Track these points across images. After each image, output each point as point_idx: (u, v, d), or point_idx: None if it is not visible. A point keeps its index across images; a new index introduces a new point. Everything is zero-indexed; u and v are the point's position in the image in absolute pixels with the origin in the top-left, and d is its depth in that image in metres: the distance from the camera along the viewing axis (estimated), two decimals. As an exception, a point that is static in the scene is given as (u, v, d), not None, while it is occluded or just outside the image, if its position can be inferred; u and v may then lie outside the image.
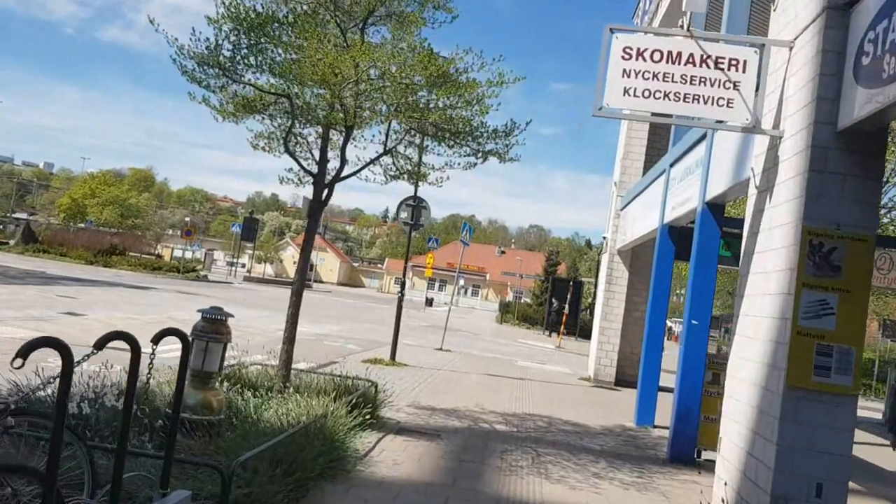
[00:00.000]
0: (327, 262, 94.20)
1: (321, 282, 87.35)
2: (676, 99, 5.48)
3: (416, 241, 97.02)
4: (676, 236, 10.29)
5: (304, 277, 7.48)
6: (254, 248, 70.90)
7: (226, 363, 7.92)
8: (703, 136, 8.41)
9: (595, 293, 57.66)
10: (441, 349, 17.89)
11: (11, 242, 44.19)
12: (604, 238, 16.20)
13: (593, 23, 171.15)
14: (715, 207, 8.10)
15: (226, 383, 6.36)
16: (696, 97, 5.49)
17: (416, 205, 13.47)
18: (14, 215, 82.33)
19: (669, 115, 5.71)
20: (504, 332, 32.29)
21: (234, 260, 73.99)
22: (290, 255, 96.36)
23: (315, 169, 7.33)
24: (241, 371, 7.58)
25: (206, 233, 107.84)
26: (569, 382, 14.89)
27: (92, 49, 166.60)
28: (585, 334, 36.86)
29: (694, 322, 8.09)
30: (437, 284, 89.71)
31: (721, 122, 5.82)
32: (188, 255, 67.10)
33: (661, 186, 10.74)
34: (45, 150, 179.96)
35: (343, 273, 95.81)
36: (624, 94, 5.50)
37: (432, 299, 45.26)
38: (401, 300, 13.37)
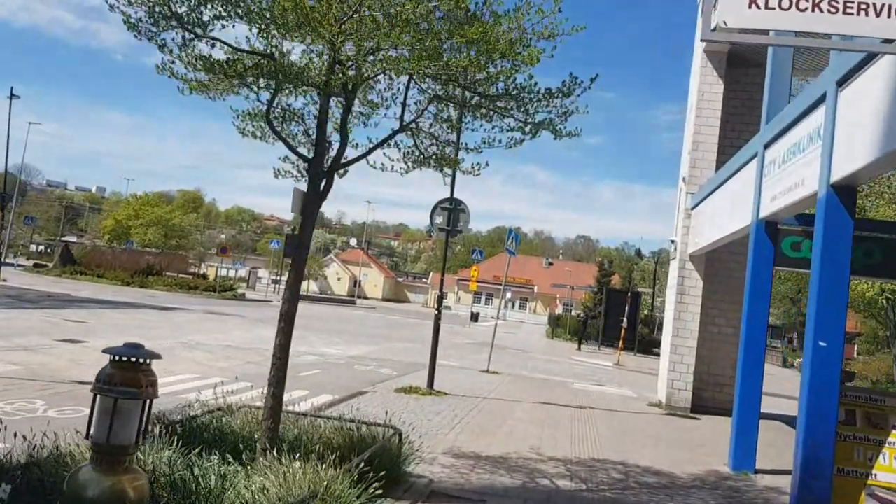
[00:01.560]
0: (371, 278, 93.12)
1: (366, 298, 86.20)
2: (833, 9, 3.54)
3: (461, 254, 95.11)
4: (774, 234, 8.24)
5: (297, 296, 5.71)
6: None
7: (206, 401, 6.26)
8: (821, 99, 6.41)
9: (652, 304, 54.94)
10: (487, 371, 15.98)
11: (50, 265, 43.81)
12: (672, 242, 14.12)
13: (641, 30, 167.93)
14: (844, 192, 6.07)
15: (178, 441, 4.59)
16: (862, 5, 3.55)
17: (452, 208, 11.65)
18: (62, 239, 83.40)
19: (818, 34, 3.77)
20: (556, 349, 30.17)
21: (278, 278, 73.32)
22: (333, 272, 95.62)
23: (311, 153, 5.55)
24: (221, 419, 5.80)
25: (254, 251, 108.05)
26: (636, 410, 12.82)
27: (140, 74, 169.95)
28: (644, 349, 34.46)
29: (822, 343, 6.05)
30: (483, 298, 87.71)
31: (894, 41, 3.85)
32: (230, 273, 66.60)
33: (750, 174, 8.72)
34: (97, 175, 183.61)
35: (388, 288, 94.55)
36: (751, 6, 3.58)
37: (478, 314, 43.27)
38: (438, 318, 11.55)
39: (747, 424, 8.02)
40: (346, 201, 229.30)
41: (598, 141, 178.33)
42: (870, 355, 48.31)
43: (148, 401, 3.40)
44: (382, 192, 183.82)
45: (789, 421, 12.20)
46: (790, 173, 7.20)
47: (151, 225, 69.49)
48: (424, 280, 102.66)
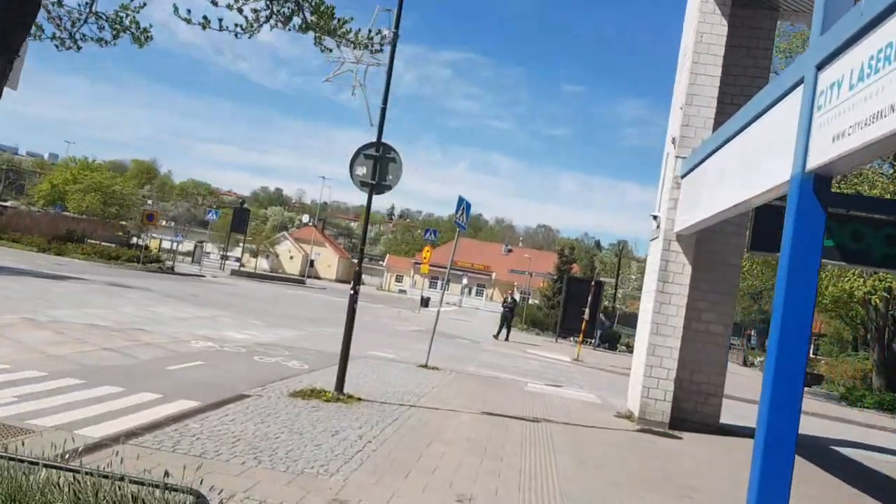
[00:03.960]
0: (325, 258, 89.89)
1: (318, 278, 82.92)
2: None
3: (420, 237, 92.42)
4: (826, 193, 5.64)
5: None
6: (244, 240, 66.35)
7: None
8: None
9: (615, 296, 52.83)
10: (426, 366, 13.30)
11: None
12: (654, 218, 11.56)
13: (607, 25, 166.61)
14: None
15: None
16: None
17: (379, 155, 8.87)
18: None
19: None
20: (510, 340, 27.66)
21: (225, 253, 69.66)
22: (286, 250, 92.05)
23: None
24: None
25: (209, 227, 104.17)
26: (603, 424, 10.26)
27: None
28: (605, 343, 32.19)
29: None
30: (440, 283, 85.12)
31: None
32: (174, 246, 62.77)
33: (790, 111, 6.11)
34: (51, 142, 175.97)
35: (342, 269, 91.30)
36: None
37: (429, 299, 40.51)
38: (353, 299, 8.77)
39: (777, 473, 5.43)
40: (309, 180, 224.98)
41: (563, 132, 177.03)
42: (832, 357, 47.05)
43: None
44: (343, 172, 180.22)
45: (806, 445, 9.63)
46: (873, 95, 4.60)
47: (90, 191, 65.27)
48: (380, 263, 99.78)
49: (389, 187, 8.94)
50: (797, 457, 9.12)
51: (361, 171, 8.95)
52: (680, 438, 10.07)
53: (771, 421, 5.44)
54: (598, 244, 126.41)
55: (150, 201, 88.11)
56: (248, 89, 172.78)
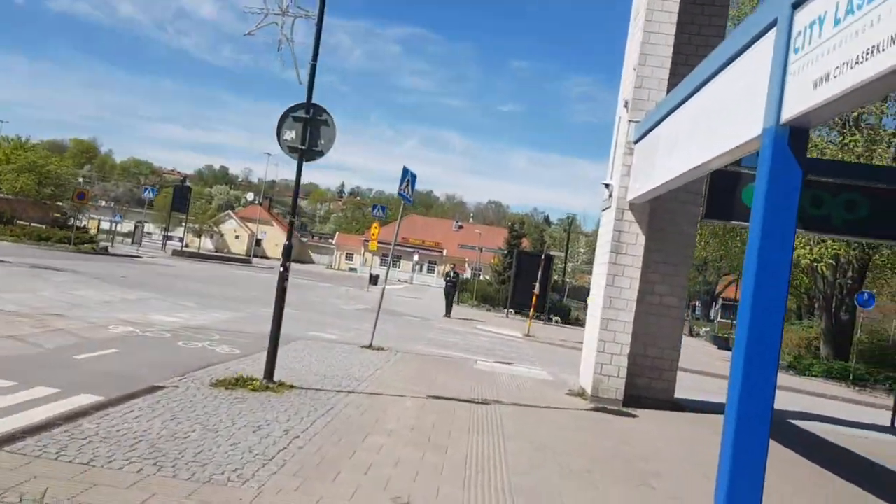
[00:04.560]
0: (272, 237, 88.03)
1: (266, 257, 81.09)
2: None
3: (369, 215, 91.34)
4: (802, 147, 5.04)
5: None
6: (185, 219, 64.23)
7: None
8: None
9: (564, 270, 52.76)
10: (370, 346, 12.57)
11: None
12: (606, 186, 10.96)
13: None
14: None
15: None
16: None
17: (310, 117, 8.00)
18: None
19: None
20: (461, 316, 27.09)
21: (166, 233, 67.34)
22: (231, 229, 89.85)
23: None
24: None
25: (150, 206, 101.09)
26: (556, 403, 9.70)
27: (43, 19, 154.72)
28: (557, 316, 31.90)
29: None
30: (391, 261, 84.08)
31: None
32: (113, 226, 60.31)
33: (760, 59, 5.49)
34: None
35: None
36: None
37: (377, 276, 39.64)
38: (284, 277, 7.93)
39: (750, 463, 4.86)
40: (257, 158, 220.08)
41: (514, 109, 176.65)
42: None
43: None
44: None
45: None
46: (867, 28, 3.99)
47: (24, 171, 62.26)
48: (331, 241, 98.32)
49: (321, 153, 8.09)
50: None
51: (290, 135, 8.08)
52: (635, 417, 9.58)
53: (742, 402, 4.87)
54: (547, 219, 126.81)
55: (82, 180, 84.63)
56: (191, 66, 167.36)
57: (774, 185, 4.94)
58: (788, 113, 4.85)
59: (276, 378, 7.99)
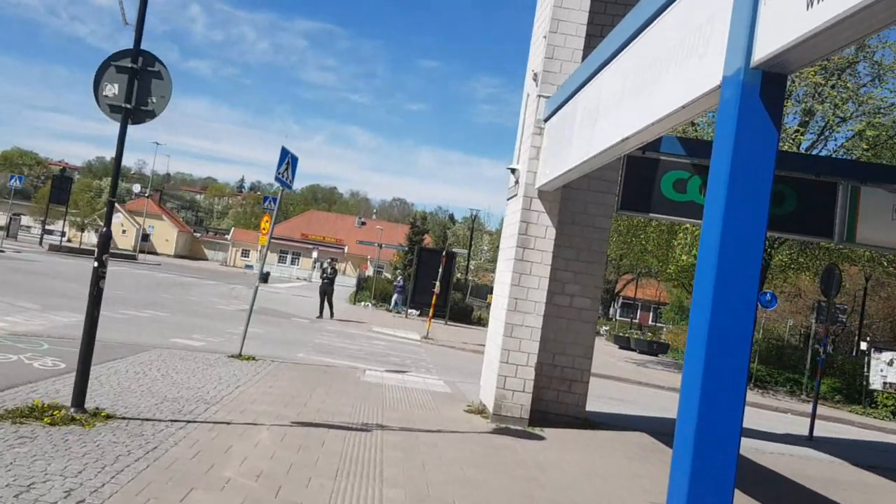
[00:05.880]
0: (161, 231, 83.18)
1: (155, 253, 76.39)
2: None
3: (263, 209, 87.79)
4: (779, 98, 3.70)
5: None
6: (66, 212, 59.38)
7: None
8: None
9: (467, 268, 51.69)
10: (239, 356, 10.75)
11: None
12: (512, 172, 9.57)
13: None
14: None
15: None
16: None
17: (138, 68, 6.17)
18: None
19: None
20: (355, 317, 25.38)
21: (44, 226, 62.09)
22: (118, 223, 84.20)
23: None
24: None
25: (32, 199, 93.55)
26: (452, 425, 8.22)
27: None
28: (458, 317, 30.59)
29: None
30: (289, 258, 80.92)
31: None
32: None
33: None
34: None
35: (182, 244, 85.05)
36: None
37: (268, 273, 37.21)
38: (98, 274, 6.09)
39: (709, 483, 3.46)
40: (150, 150, 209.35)
41: (420, 107, 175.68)
42: (674, 325, 48.54)
43: None
44: (187, 143, 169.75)
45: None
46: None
47: None
48: (226, 237, 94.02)
49: (153, 114, 6.26)
50: (661, 445, 7.50)
51: (112, 90, 6.22)
52: (543, 439, 8.23)
53: (703, 426, 3.49)
54: (451, 218, 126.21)
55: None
56: (86, 54, 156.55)
57: (742, 152, 3.59)
58: (764, 50, 3.50)
59: (90, 405, 6.15)
